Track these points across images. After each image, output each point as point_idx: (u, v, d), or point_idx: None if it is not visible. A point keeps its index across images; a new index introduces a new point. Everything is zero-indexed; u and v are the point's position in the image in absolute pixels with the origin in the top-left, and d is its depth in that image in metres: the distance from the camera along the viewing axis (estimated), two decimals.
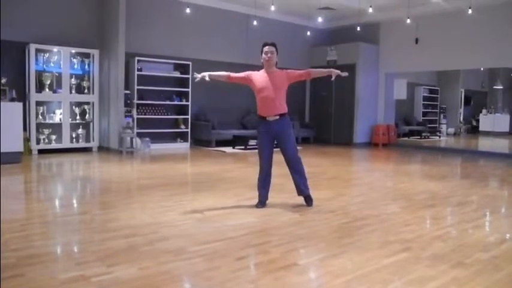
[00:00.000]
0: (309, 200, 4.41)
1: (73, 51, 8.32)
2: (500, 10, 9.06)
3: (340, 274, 2.62)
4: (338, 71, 4.24)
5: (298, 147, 4.49)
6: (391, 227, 3.69)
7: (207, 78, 4.21)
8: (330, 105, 11.88)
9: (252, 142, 9.58)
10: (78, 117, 8.49)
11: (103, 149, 8.84)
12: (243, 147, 9.56)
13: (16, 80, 7.67)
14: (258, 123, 4.34)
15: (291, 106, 12.22)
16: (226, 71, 4.48)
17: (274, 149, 4.31)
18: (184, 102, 9.74)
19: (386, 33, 11.38)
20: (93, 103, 8.59)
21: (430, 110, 16.08)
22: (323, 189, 5.28)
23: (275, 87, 4.20)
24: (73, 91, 8.33)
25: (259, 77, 4.27)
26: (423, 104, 15.85)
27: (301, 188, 4.38)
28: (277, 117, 4.21)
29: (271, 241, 3.24)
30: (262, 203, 4.31)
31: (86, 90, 8.54)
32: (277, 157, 4.32)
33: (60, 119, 8.26)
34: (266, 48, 4.25)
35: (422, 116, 15.77)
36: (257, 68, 4.40)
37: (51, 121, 8.19)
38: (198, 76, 4.21)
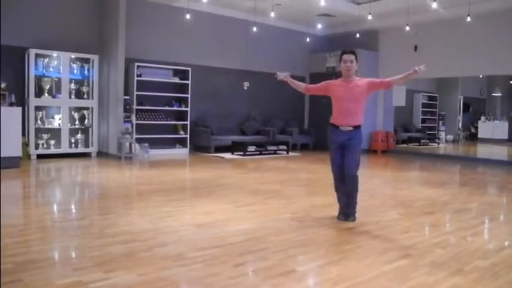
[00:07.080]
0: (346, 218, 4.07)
1: (73, 56, 8.34)
2: (499, 18, 9.10)
3: (339, 281, 2.61)
4: (420, 67, 3.97)
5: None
6: (390, 234, 3.68)
7: (288, 77, 4.11)
8: (329, 111, 11.87)
9: (251, 148, 9.58)
10: (77, 122, 8.48)
11: (102, 154, 8.83)
12: (242, 153, 9.55)
13: (15, 84, 7.67)
14: (330, 131, 4.14)
15: (290, 112, 12.18)
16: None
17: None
18: (183, 108, 9.73)
19: (385, 40, 11.43)
20: (92, 108, 8.59)
21: (429, 117, 16.12)
22: (322, 196, 5.28)
23: (354, 97, 3.99)
24: (72, 96, 8.34)
25: (337, 87, 4.08)
26: (422, 110, 15.89)
27: (345, 212, 4.06)
28: (351, 128, 4.02)
29: (270, 247, 3.23)
30: (343, 214, 4.04)
31: (85, 96, 8.55)
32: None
33: (59, 124, 8.25)
34: (345, 57, 4.00)
35: (421, 123, 15.81)
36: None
37: (50, 126, 8.18)
38: (281, 75, 4.10)
